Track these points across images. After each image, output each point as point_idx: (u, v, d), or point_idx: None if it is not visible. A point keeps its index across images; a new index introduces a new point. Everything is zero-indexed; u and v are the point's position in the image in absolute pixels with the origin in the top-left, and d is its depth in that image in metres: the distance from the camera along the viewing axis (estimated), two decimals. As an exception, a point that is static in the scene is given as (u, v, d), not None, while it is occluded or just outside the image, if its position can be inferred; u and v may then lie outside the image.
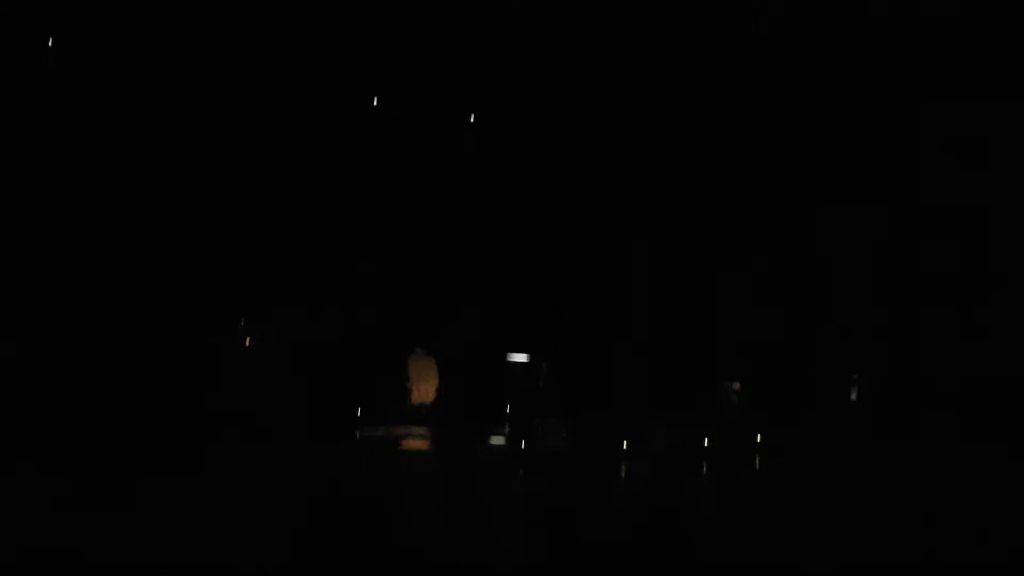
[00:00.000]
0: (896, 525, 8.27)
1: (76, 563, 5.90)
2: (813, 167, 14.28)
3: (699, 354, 13.56)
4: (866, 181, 14.10)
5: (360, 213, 13.91)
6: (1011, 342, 13.10)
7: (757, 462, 11.85)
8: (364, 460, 10.72)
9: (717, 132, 14.54)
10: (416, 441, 11.92)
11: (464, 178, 14.82)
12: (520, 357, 13.02)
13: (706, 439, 12.02)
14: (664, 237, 14.34)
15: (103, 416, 10.42)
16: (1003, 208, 13.55)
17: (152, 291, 12.27)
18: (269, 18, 13.52)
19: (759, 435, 12.37)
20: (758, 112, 14.43)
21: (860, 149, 14.11)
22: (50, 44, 12.59)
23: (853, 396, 13.11)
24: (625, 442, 11.47)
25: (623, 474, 10.70)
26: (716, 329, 13.79)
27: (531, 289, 14.55)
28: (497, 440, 11.87)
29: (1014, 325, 13.17)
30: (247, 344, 11.33)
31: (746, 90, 14.46)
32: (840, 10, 14.19)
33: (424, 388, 12.61)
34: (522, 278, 14.53)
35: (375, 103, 14.31)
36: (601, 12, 14.38)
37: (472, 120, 14.91)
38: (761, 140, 14.49)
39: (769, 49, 14.44)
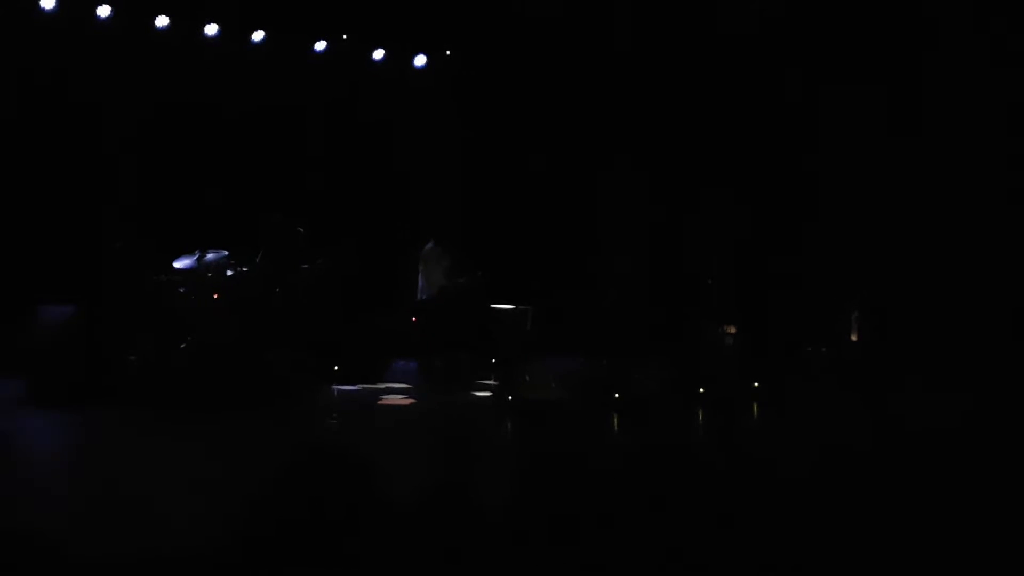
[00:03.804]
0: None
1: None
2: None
3: (689, 296, 13.13)
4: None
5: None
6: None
7: (755, 410, 11.36)
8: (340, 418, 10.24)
9: (690, 71, 14.13)
10: (395, 397, 11.45)
11: (443, 129, 14.61)
12: (505, 305, 12.59)
13: (701, 387, 11.53)
14: (648, 175, 13.98)
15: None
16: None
17: None
18: None
19: (756, 381, 11.86)
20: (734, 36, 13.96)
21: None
22: None
23: (854, 336, 12.58)
24: (616, 391, 11.00)
25: (615, 424, 10.26)
26: (709, 269, 13.33)
27: (516, 237, 14.24)
28: (483, 392, 11.44)
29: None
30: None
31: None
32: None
33: (433, 278, 12.22)
34: (506, 227, 14.22)
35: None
36: None
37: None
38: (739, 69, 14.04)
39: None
